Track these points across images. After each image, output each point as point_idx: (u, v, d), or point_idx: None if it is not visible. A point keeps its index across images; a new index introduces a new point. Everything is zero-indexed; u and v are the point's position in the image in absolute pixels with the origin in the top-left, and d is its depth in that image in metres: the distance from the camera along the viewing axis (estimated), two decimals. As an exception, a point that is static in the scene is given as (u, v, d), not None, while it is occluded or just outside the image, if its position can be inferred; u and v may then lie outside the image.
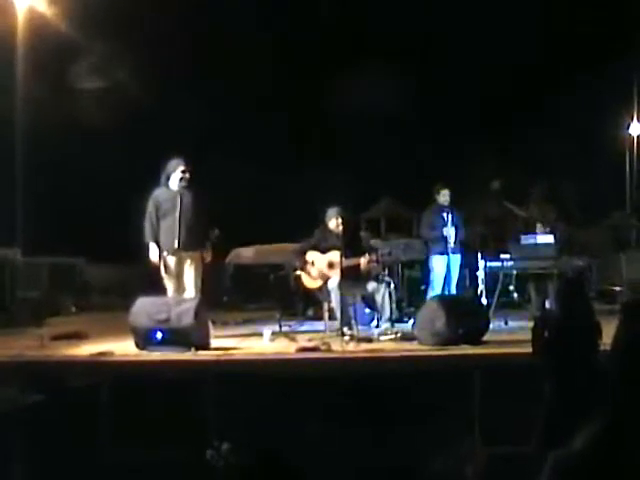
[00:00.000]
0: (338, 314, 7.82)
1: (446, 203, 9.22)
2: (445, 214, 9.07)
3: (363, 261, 8.01)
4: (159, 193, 8.05)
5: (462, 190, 11.81)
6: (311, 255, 8.29)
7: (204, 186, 8.19)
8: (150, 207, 8.00)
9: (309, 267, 8.26)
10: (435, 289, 9.24)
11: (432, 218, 9.32)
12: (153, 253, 7.93)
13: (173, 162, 8.00)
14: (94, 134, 13.03)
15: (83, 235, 13.21)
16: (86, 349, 7.08)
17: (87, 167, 13.38)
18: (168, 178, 8.00)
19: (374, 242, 10.12)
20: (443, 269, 9.18)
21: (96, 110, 12.82)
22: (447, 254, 9.10)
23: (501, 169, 13.50)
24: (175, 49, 13.93)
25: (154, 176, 8.20)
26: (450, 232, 9.00)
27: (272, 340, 7.71)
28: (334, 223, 8.28)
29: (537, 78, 14.23)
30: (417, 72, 14.62)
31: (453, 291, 9.15)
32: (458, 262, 9.11)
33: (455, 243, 9.04)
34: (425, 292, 9.54)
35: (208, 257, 8.05)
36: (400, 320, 9.13)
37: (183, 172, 7.94)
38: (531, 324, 5.25)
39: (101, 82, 12.98)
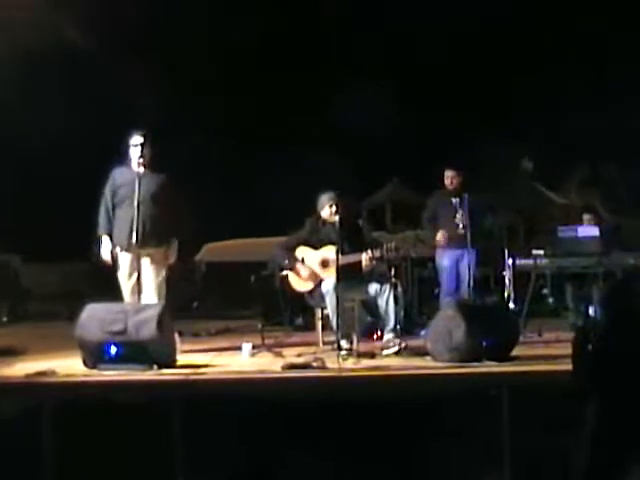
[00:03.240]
0: (334, 323, 7.80)
1: (451, 187, 9.22)
2: (451, 200, 9.08)
3: (365, 258, 8.00)
4: (117, 174, 8.07)
5: (486, 172, 11.83)
6: (301, 251, 8.27)
7: (173, 171, 8.19)
8: (106, 190, 8.04)
9: (298, 266, 8.24)
10: (447, 291, 9.26)
11: (433, 205, 9.36)
12: (105, 249, 7.94)
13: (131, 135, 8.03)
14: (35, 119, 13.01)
15: (17, 228, 13.15)
16: (22, 368, 7.02)
17: (22, 150, 13.34)
18: (128, 156, 8.01)
19: (378, 235, 10.11)
20: (450, 266, 9.19)
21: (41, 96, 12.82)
22: (453, 248, 9.12)
23: (533, 146, 13.52)
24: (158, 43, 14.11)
25: (106, 162, 8.22)
26: (458, 221, 9.01)
27: (253, 355, 7.71)
28: (327, 212, 8.27)
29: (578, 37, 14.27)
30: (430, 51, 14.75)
31: (466, 294, 9.15)
32: (470, 258, 9.08)
33: (465, 234, 9.01)
34: (439, 296, 9.56)
35: (172, 257, 8.06)
36: (409, 330, 9.13)
37: (135, 146, 7.94)
38: (571, 335, 5.24)
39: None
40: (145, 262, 7.91)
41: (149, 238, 7.86)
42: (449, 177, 9.24)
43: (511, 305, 9.09)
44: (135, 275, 7.89)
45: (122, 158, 8.08)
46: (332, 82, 14.79)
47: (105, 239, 7.97)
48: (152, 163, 8.02)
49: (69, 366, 7.00)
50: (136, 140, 7.98)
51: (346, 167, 14.13)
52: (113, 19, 12.71)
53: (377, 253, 8.03)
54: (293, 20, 14.89)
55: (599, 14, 13.39)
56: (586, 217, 9.43)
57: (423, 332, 8.43)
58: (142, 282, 7.87)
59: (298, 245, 8.31)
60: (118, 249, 7.97)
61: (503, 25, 14.06)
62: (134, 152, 7.96)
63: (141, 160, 7.92)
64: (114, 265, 8.01)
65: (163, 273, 8.04)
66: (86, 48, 12.78)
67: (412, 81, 15.05)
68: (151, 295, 7.89)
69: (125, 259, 7.95)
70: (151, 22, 13.66)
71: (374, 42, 14.87)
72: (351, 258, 7.98)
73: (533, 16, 14.06)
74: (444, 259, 9.31)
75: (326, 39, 15.10)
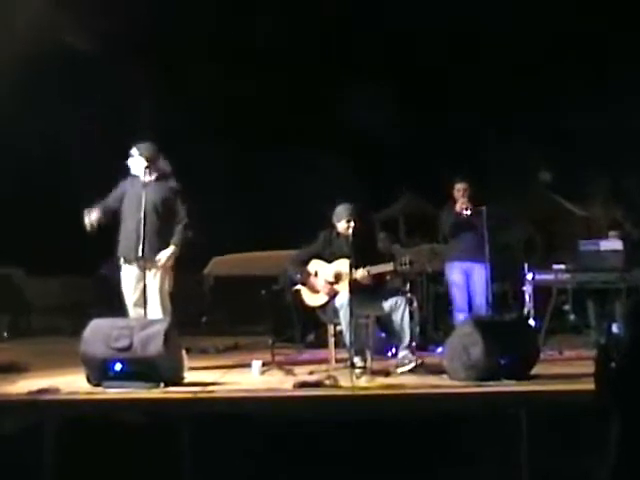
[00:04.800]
0: (347, 340, 7.79)
1: (462, 199, 9.20)
2: (463, 213, 9.07)
3: (361, 274, 7.91)
4: (128, 183, 8.12)
5: (502, 183, 11.80)
6: (314, 265, 8.25)
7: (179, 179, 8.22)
8: (112, 193, 8.14)
9: (311, 280, 8.22)
10: (460, 307, 9.24)
11: (445, 218, 9.35)
12: (88, 215, 7.99)
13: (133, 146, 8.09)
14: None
15: (21, 241, 13.17)
16: (24, 385, 7.03)
17: (24, 160, 13.38)
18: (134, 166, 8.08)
19: (393, 247, 10.10)
20: (461, 281, 9.19)
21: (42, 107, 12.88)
22: (464, 261, 9.13)
23: (551, 157, 13.47)
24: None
25: (109, 174, 8.26)
26: (467, 235, 9.04)
27: (263, 373, 7.71)
28: (344, 224, 8.22)
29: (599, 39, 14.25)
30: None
31: (481, 310, 9.12)
32: (483, 272, 9.09)
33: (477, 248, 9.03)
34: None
35: (168, 261, 8.06)
36: (425, 347, 9.11)
37: (138, 155, 8.01)
38: (593, 353, 5.23)
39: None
40: (149, 274, 7.92)
41: (155, 250, 7.91)
42: (461, 190, 9.21)
43: (531, 321, 9.06)
44: (140, 288, 7.90)
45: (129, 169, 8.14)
46: (339, 86, 14.78)
47: (95, 210, 8.01)
48: (158, 172, 8.07)
49: (72, 383, 7.02)
50: (135, 151, 8.05)
51: (358, 175, 14.13)
52: (108, 20, 12.78)
53: (390, 267, 7.99)
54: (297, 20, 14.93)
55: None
56: (612, 234, 9.39)
57: (439, 349, 8.43)
58: (147, 295, 7.89)
59: (310, 259, 8.27)
60: (122, 261, 8.03)
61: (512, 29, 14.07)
62: (137, 162, 8.02)
63: (147, 170, 7.98)
64: (121, 279, 8.06)
65: (167, 284, 8.06)
66: (86, 50, 12.84)
67: (423, 87, 15.03)
68: (156, 307, 7.91)
69: (130, 271, 8.01)
70: (148, 21, 13.70)
71: (379, 43, 14.86)
72: (363, 273, 7.95)
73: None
74: (452, 273, 9.31)
75: (330, 39, 15.10)
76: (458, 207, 9.07)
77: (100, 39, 12.76)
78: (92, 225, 7.98)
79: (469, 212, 8.96)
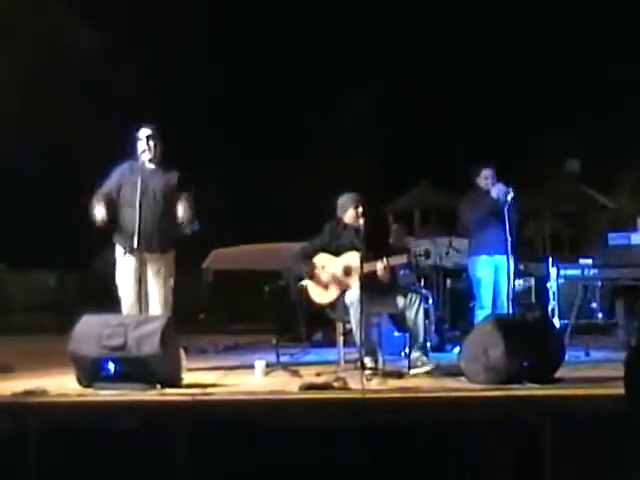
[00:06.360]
0: (357, 339, 7.80)
1: (487, 188, 9.17)
2: (489, 202, 9.06)
3: (380, 267, 7.93)
4: (126, 168, 8.13)
5: (527, 172, 11.82)
6: (321, 258, 8.27)
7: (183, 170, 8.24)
8: (109, 180, 8.08)
9: (319, 274, 8.23)
10: (484, 305, 9.23)
11: (470, 209, 9.32)
12: (98, 211, 7.86)
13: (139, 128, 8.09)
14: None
15: (3, 234, 13.22)
16: (8, 386, 7.03)
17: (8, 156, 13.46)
18: (135, 149, 8.07)
19: (406, 240, 10.12)
20: (489, 277, 9.17)
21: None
22: (493, 255, 9.12)
23: (580, 145, 13.48)
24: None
25: (96, 168, 8.29)
26: (497, 226, 9.03)
27: (267, 374, 7.75)
28: (351, 215, 8.24)
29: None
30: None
31: (505, 308, 9.13)
32: (507, 267, 9.10)
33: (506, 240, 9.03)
34: (474, 310, 9.52)
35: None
36: (441, 348, 9.13)
37: (142, 139, 8.01)
38: (622, 355, 5.24)
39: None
40: (151, 269, 7.94)
41: (155, 242, 7.92)
42: (489, 177, 9.18)
43: (555, 320, 9.07)
44: (138, 284, 7.88)
45: (129, 154, 8.13)
46: (351, 78, 14.88)
47: (98, 205, 7.89)
48: (162, 159, 8.06)
49: (61, 385, 7.03)
50: (144, 133, 8.04)
51: (366, 166, 14.17)
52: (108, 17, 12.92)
53: (404, 259, 7.99)
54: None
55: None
56: None
57: (457, 350, 8.45)
58: (148, 291, 7.89)
59: (317, 252, 8.29)
60: (122, 253, 8.00)
61: (542, 18, 14.15)
62: (141, 146, 8.01)
63: (150, 155, 7.97)
64: (117, 271, 8.05)
65: (171, 282, 8.07)
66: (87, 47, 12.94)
67: (440, 75, 15.12)
68: (156, 306, 7.92)
69: (128, 265, 7.98)
70: (148, 18, 13.83)
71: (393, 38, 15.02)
72: (375, 266, 7.96)
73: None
74: (480, 268, 9.27)
75: (341, 35, 15.26)
76: (495, 193, 8.94)
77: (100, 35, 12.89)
78: (103, 218, 7.89)
79: (513, 195, 8.81)
